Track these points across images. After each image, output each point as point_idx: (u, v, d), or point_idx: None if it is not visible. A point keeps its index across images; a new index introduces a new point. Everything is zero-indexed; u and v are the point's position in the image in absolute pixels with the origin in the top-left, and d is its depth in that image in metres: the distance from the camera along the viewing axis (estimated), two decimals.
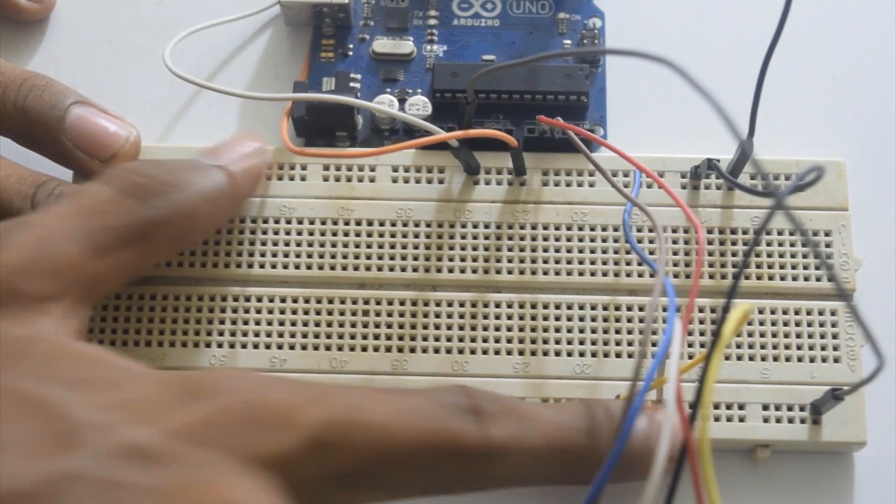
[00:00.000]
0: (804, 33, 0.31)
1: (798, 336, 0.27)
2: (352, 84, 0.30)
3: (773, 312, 0.27)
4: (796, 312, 0.27)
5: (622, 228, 0.28)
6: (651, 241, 0.28)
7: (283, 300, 0.27)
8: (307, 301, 0.27)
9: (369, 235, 0.28)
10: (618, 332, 0.27)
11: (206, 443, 0.18)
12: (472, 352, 0.27)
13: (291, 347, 0.27)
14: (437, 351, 0.27)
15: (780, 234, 0.28)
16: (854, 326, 0.27)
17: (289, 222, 0.28)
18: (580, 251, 0.28)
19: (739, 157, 0.27)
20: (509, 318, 0.27)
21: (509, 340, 0.27)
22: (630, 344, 0.27)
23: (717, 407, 0.26)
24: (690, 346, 0.27)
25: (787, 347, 0.27)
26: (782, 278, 0.27)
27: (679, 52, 0.31)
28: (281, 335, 0.27)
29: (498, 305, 0.27)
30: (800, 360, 0.27)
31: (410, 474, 0.21)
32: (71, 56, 0.32)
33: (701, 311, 0.27)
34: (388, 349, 0.27)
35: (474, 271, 0.28)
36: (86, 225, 0.23)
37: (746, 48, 0.31)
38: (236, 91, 0.29)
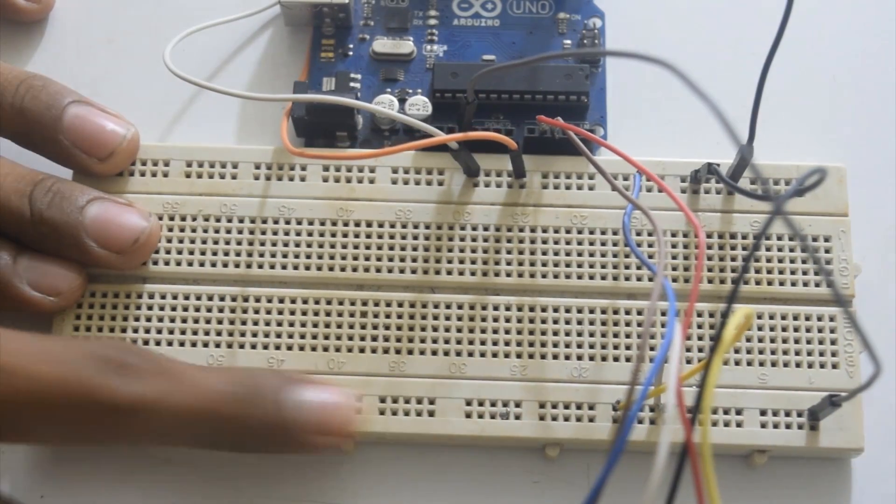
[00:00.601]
0: (804, 36, 0.31)
1: (797, 342, 0.27)
2: (352, 84, 0.30)
3: (771, 318, 0.27)
4: (795, 318, 0.27)
5: (622, 231, 0.28)
6: (651, 246, 0.28)
7: (281, 300, 0.27)
8: (305, 302, 0.27)
9: (368, 237, 0.28)
10: (616, 335, 0.27)
11: None
12: (470, 354, 0.27)
13: (289, 348, 0.27)
14: (434, 353, 0.27)
15: (779, 239, 0.28)
16: (853, 332, 0.27)
17: (288, 223, 0.28)
18: (579, 254, 0.28)
19: (739, 162, 0.26)
20: (507, 320, 0.27)
21: (507, 343, 0.27)
22: (629, 348, 0.27)
23: (714, 412, 0.26)
24: (689, 350, 0.27)
25: (785, 353, 0.27)
26: (781, 283, 0.27)
27: (679, 51, 0.31)
28: (279, 335, 0.27)
29: (496, 308, 0.27)
30: (798, 365, 0.27)
31: (43, 421, 0.21)
32: (71, 56, 0.31)
33: (699, 315, 0.27)
34: (386, 351, 0.27)
35: (473, 273, 0.28)
36: None
37: (747, 47, 0.31)
38: (236, 91, 0.29)
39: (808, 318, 0.27)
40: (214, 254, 0.28)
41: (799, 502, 0.27)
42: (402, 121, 0.27)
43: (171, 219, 0.28)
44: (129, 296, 0.27)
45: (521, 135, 0.29)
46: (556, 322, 0.27)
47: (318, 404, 0.25)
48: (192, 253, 0.28)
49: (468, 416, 0.26)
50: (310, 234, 0.28)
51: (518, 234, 0.28)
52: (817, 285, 0.27)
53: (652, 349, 0.27)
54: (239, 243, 0.28)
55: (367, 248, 0.28)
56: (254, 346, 0.27)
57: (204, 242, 0.28)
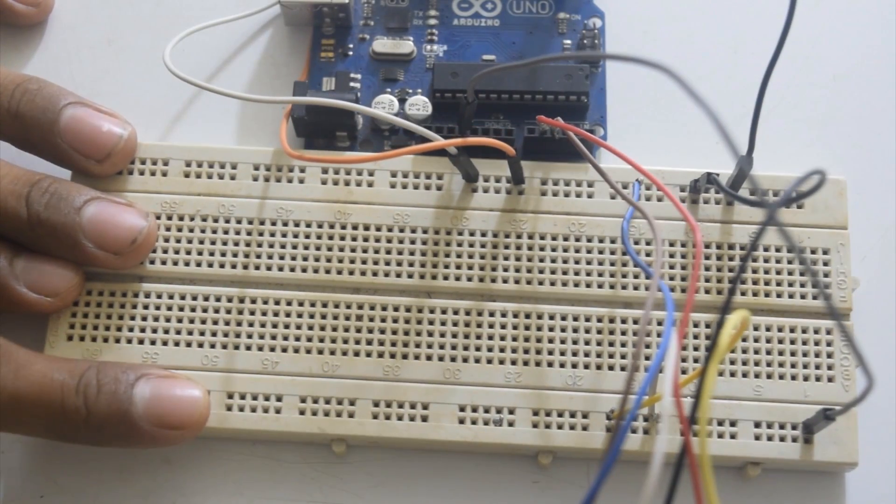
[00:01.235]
0: (804, 38, 0.31)
1: (792, 354, 0.27)
2: (352, 84, 0.30)
3: (768, 329, 0.27)
4: (791, 330, 0.27)
5: (620, 236, 0.27)
6: (648, 255, 0.28)
7: (277, 302, 0.27)
8: (301, 304, 0.27)
9: (366, 240, 0.28)
10: (612, 344, 0.27)
11: None
12: (465, 360, 0.27)
13: (284, 350, 0.27)
14: (429, 358, 0.27)
15: (777, 250, 0.28)
16: (849, 346, 0.27)
17: (286, 224, 0.28)
18: (577, 262, 0.28)
19: (738, 174, 0.26)
20: (503, 327, 0.27)
21: (503, 350, 0.27)
22: (625, 357, 0.27)
23: (708, 423, 0.26)
24: (684, 360, 0.27)
25: (781, 365, 0.27)
26: (778, 295, 0.27)
27: (679, 51, 0.31)
28: (274, 337, 0.27)
29: (493, 314, 0.27)
30: (793, 378, 0.27)
31: None
32: (71, 56, 0.31)
33: (696, 325, 0.27)
34: (381, 355, 0.27)
35: (470, 279, 0.27)
36: None
37: (746, 47, 0.31)
38: (235, 93, 0.29)
39: (804, 331, 0.27)
40: (212, 254, 0.28)
41: None
42: (401, 125, 0.27)
43: (170, 218, 0.28)
44: (125, 294, 0.27)
45: (521, 135, 0.29)
46: (552, 329, 0.27)
47: (165, 397, 0.25)
48: (189, 253, 0.28)
49: (461, 421, 0.26)
50: (307, 237, 0.28)
51: (516, 241, 0.28)
52: (814, 298, 0.27)
53: (647, 358, 0.27)
54: (236, 244, 0.28)
55: (365, 251, 0.28)
56: (249, 348, 0.27)
57: (201, 243, 0.28)
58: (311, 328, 0.27)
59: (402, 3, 0.31)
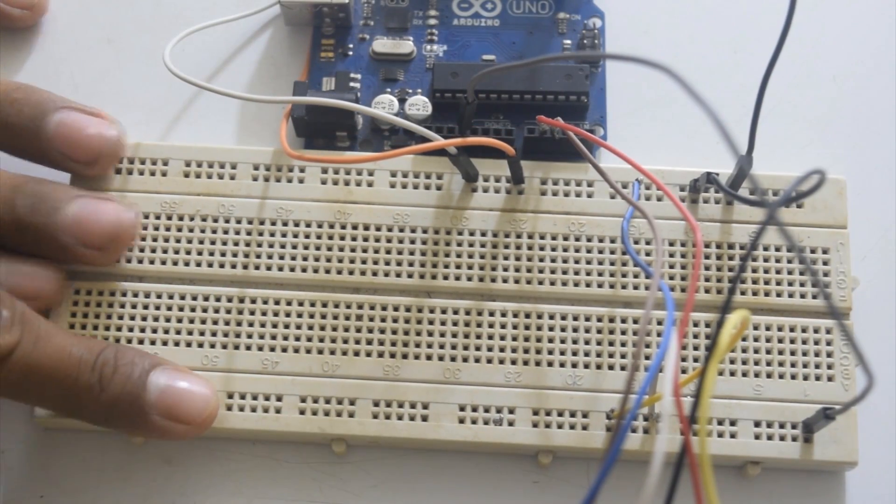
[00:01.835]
0: (804, 39, 0.31)
1: (792, 353, 0.27)
2: (352, 84, 0.30)
3: (768, 329, 0.27)
4: (791, 329, 0.27)
5: (620, 235, 0.27)
6: (648, 255, 0.28)
7: (277, 302, 0.27)
8: (301, 304, 0.27)
9: (366, 240, 0.28)
10: (612, 344, 0.27)
11: None
12: (465, 360, 0.27)
13: (284, 350, 0.27)
14: (429, 358, 0.27)
15: (777, 250, 0.28)
16: (849, 345, 0.27)
17: (285, 224, 0.28)
18: (577, 262, 0.28)
19: (738, 173, 0.26)
20: (503, 327, 0.27)
21: (503, 350, 0.27)
22: (625, 357, 0.27)
23: (708, 422, 0.26)
24: (684, 360, 0.27)
25: (780, 364, 0.27)
26: (778, 294, 0.27)
27: (679, 51, 0.31)
28: (274, 337, 0.27)
29: (492, 314, 0.27)
30: (793, 377, 0.27)
31: None
32: (71, 56, 0.31)
33: (696, 325, 0.27)
34: (381, 354, 0.27)
35: (470, 279, 0.27)
36: None
37: (747, 47, 0.31)
38: (235, 93, 0.29)
39: (804, 330, 0.27)
40: (211, 254, 0.28)
41: None
42: (401, 125, 0.27)
43: (169, 218, 0.28)
44: (125, 294, 0.27)
45: (521, 135, 0.29)
46: (552, 329, 0.27)
47: (178, 390, 0.25)
48: (188, 253, 0.28)
49: (461, 421, 0.26)
50: (307, 237, 0.28)
51: (516, 241, 0.28)
52: (814, 297, 0.27)
53: (647, 358, 0.27)
54: (236, 244, 0.28)
55: (365, 251, 0.28)
56: (248, 348, 0.27)
57: (201, 242, 0.28)
58: (311, 328, 0.27)
59: (402, 3, 0.31)
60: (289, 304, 0.27)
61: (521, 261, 0.28)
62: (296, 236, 0.28)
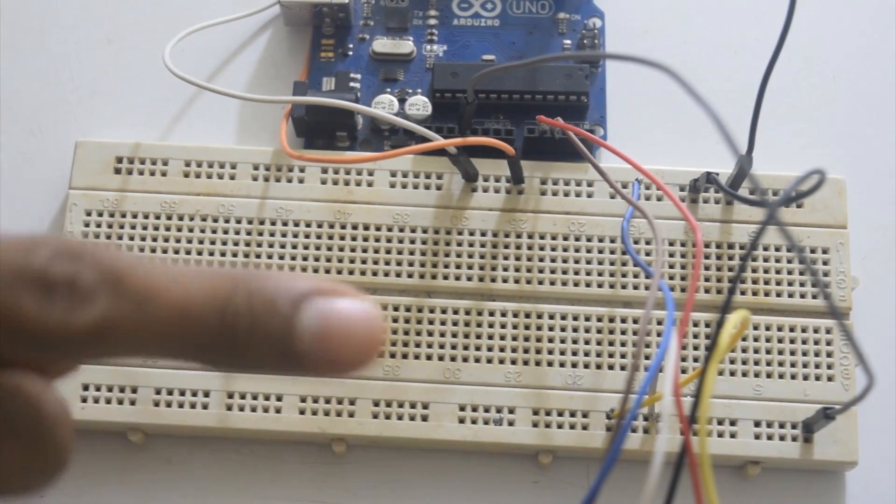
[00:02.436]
0: (803, 39, 0.31)
1: (792, 353, 0.27)
2: (352, 84, 0.30)
3: (768, 329, 0.27)
4: (791, 329, 0.27)
5: (620, 235, 0.27)
6: (648, 255, 0.28)
7: None
8: None
9: (365, 240, 0.28)
10: (612, 343, 0.27)
11: None
12: (465, 360, 0.27)
13: None
14: (429, 358, 0.27)
15: (777, 250, 0.28)
16: (849, 345, 0.27)
17: (285, 224, 0.28)
18: (577, 262, 0.28)
19: (738, 173, 0.26)
20: (503, 326, 0.27)
21: (503, 349, 0.27)
22: (625, 356, 0.27)
23: (708, 422, 0.26)
24: (684, 360, 0.27)
25: (780, 364, 0.27)
26: (778, 294, 0.27)
27: (679, 51, 0.31)
28: None
29: (493, 314, 0.27)
30: (793, 377, 0.27)
31: None
32: (71, 56, 0.31)
33: (696, 325, 0.27)
34: (380, 354, 0.27)
35: (470, 279, 0.27)
36: None
37: (746, 47, 0.31)
38: (235, 93, 0.29)
39: (804, 330, 0.27)
40: (211, 254, 0.28)
41: None
42: (401, 125, 0.27)
43: (169, 218, 0.28)
44: None
45: (521, 135, 0.29)
46: (552, 329, 0.27)
47: (344, 316, 0.19)
48: (188, 253, 0.28)
49: (462, 421, 0.26)
50: (307, 237, 0.28)
51: (516, 241, 0.28)
52: (814, 297, 0.27)
53: (647, 358, 0.27)
54: (236, 244, 0.28)
55: (364, 251, 0.28)
56: None
57: (201, 242, 0.28)
58: None
59: (402, 3, 0.31)
60: None
61: (521, 261, 0.28)
62: (296, 236, 0.28)
